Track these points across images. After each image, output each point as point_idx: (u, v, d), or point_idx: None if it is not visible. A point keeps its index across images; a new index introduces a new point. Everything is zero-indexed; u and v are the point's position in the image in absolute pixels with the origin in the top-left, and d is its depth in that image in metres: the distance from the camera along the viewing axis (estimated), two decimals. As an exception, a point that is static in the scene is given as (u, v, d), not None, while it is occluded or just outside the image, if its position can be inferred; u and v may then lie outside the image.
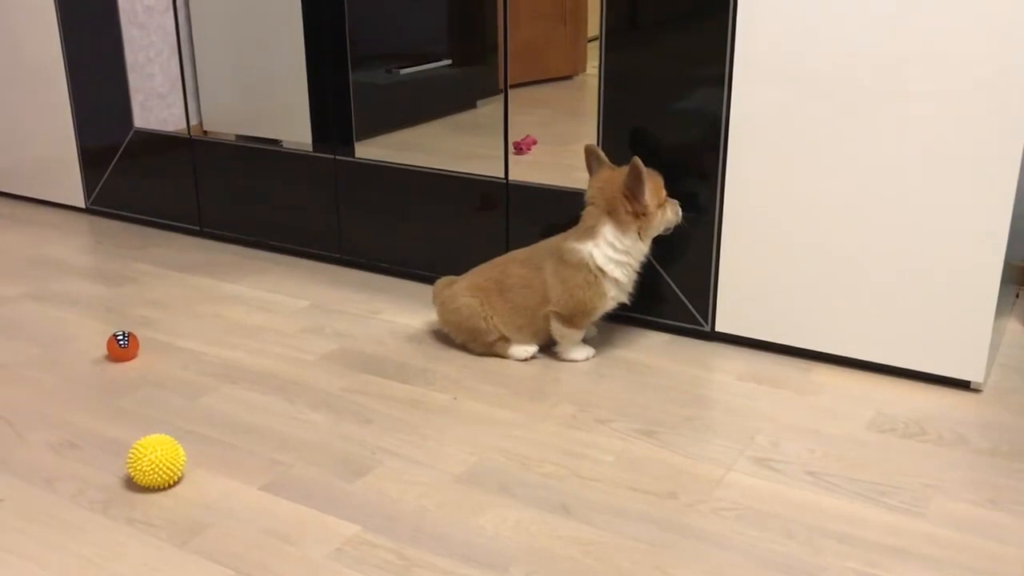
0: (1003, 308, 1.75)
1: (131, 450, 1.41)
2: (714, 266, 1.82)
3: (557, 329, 1.79)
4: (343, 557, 1.27)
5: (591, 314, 1.77)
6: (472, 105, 2.21)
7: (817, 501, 1.38)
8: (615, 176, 1.73)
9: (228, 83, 2.45)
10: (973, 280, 1.60)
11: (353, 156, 2.22)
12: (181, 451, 1.43)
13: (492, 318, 1.79)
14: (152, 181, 2.58)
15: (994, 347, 1.70)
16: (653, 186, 1.71)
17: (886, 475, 1.44)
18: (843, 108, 1.62)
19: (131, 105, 2.54)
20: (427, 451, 1.52)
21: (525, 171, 2.01)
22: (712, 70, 1.72)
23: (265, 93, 2.38)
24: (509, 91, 2.00)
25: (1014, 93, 1.49)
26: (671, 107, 1.79)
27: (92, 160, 2.67)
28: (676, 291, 1.88)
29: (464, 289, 1.83)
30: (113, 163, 2.63)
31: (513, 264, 1.82)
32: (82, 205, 2.74)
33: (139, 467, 1.39)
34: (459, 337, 1.85)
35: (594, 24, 1.86)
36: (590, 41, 2.09)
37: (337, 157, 2.24)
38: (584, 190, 1.78)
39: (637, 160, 1.67)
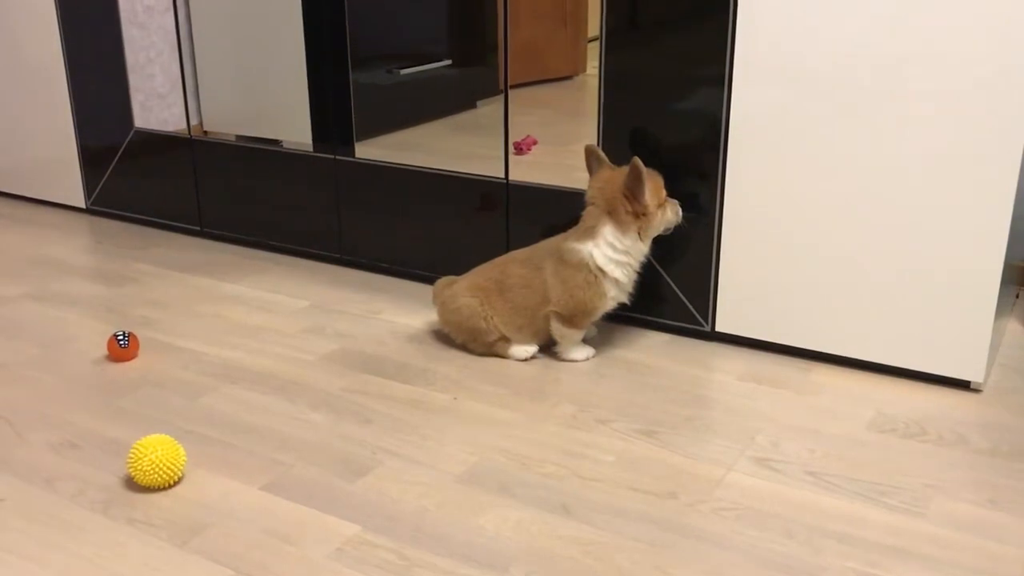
0: (1003, 308, 1.75)
1: (131, 450, 1.41)
2: (714, 266, 1.82)
3: (557, 329, 1.79)
4: (343, 557, 1.27)
5: (591, 314, 1.77)
6: (472, 105, 2.21)
7: (817, 501, 1.38)
8: (615, 176, 1.73)
9: (228, 83, 2.45)
10: (973, 280, 1.60)
11: (353, 156, 2.22)
12: (181, 451, 1.43)
13: (492, 318, 1.80)
14: (152, 181, 2.58)
15: (994, 347, 1.71)
16: (653, 186, 1.71)
17: (886, 475, 1.44)
18: (843, 108, 1.62)
19: (131, 105, 2.54)
20: (427, 451, 1.52)
21: (525, 171, 2.01)
22: (712, 70, 1.72)
23: (265, 93, 2.38)
24: (509, 91, 2.00)
25: (1014, 93, 1.49)
26: (671, 107, 1.79)
27: (92, 160, 2.68)
28: (676, 291, 1.88)
29: (464, 289, 1.83)
30: (113, 163, 2.63)
31: (513, 264, 1.82)
32: (82, 205, 2.74)
33: (139, 467, 1.39)
34: (459, 337, 1.85)
35: (594, 24, 1.86)
36: (590, 41, 2.09)
37: (337, 157, 2.24)
38: (584, 190, 1.78)
39: (637, 160, 1.67)
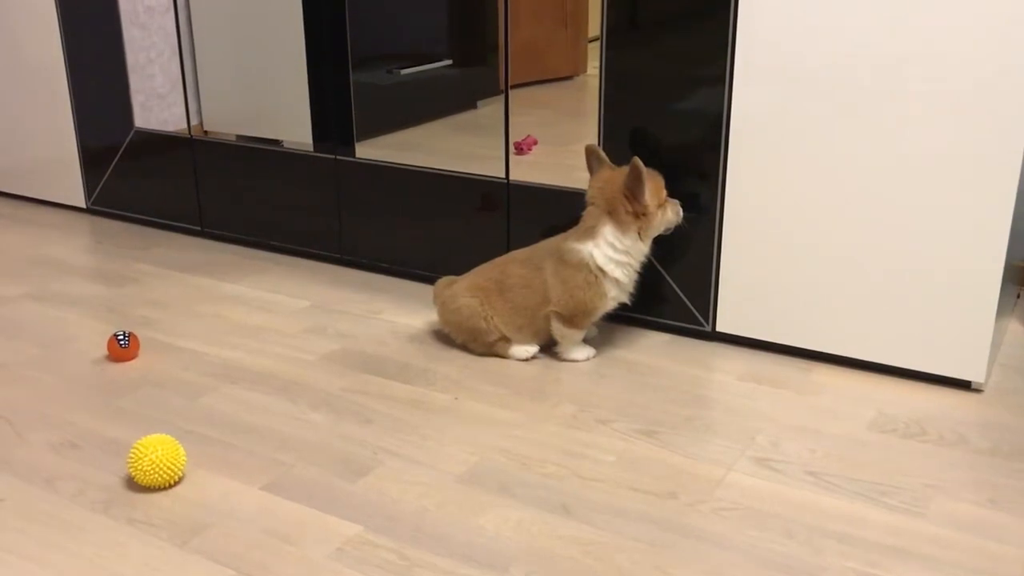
0: (1004, 308, 1.75)
1: (132, 450, 1.41)
2: (715, 266, 1.82)
3: (558, 329, 1.79)
4: (344, 557, 1.27)
5: (591, 314, 1.77)
6: (473, 105, 2.21)
7: (817, 501, 1.38)
8: (615, 176, 1.73)
9: (229, 83, 2.45)
10: (974, 280, 1.60)
11: (354, 156, 2.22)
12: (182, 451, 1.43)
13: (492, 318, 1.80)
14: (153, 181, 2.58)
15: (995, 347, 1.70)
16: (653, 186, 1.71)
17: (886, 475, 1.44)
18: (843, 108, 1.62)
19: (132, 105, 2.54)
20: (428, 451, 1.52)
21: (526, 171, 2.01)
22: (712, 70, 1.72)
23: (265, 93, 2.38)
24: (510, 91, 2.00)
25: (1014, 93, 1.49)
26: (671, 107, 1.79)
27: (93, 160, 2.68)
28: (677, 291, 1.88)
29: (464, 289, 1.83)
30: (114, 163, 2.63)
31: (513, 264, 1.82)
32: (83, 205, 2.74)
33: (140, 467, 1.39)
34: (460, 337, 1.85)
35: (594, 24, 1.86)
36: (590, 41, 2.09)
37: (338, 157, 2.24)
38: (584, 190, 1.78)
39: (637, 160, 1.67)
